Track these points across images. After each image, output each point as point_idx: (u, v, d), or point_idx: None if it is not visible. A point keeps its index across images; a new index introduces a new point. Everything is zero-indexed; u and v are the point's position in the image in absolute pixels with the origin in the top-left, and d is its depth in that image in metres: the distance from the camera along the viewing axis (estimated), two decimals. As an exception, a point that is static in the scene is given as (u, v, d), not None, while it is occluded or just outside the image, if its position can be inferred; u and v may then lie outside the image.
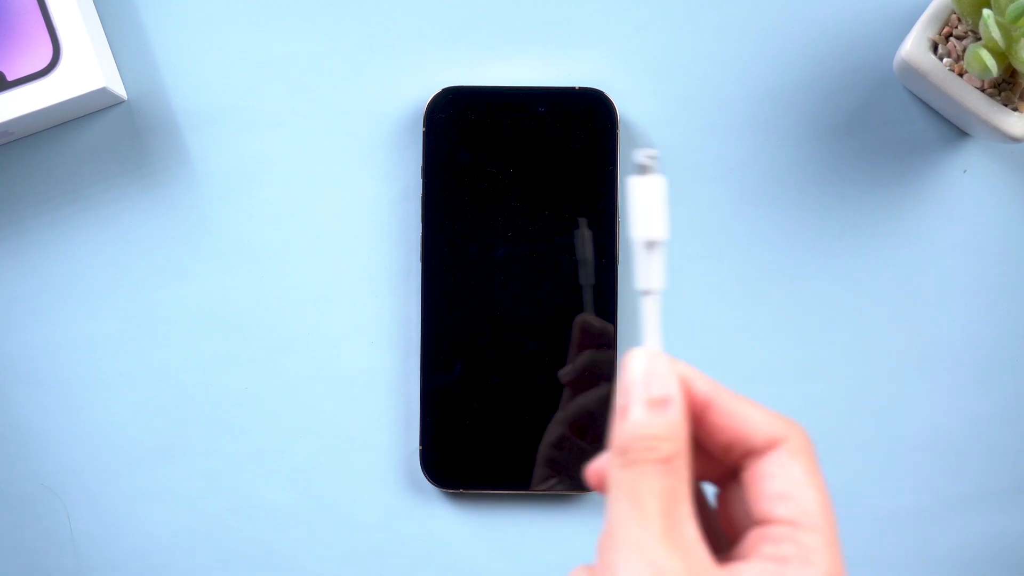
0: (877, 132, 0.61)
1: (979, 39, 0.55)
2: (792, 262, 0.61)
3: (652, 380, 0.38)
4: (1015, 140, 0.55)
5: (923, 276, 0.61)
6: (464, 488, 0.60)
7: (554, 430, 0.59)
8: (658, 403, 0.37)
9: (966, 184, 0.61)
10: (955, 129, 0.60)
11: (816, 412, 0.61)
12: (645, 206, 0.39)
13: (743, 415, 0.38)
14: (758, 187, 0.61)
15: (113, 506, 0.61)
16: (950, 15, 0.56)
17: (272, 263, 0.61)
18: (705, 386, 0.39)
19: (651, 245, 0.39)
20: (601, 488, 0.39)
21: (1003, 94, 0.55)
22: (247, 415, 0.61)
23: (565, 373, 0.59)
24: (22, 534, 0.62)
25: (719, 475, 0.40)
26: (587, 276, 0.58)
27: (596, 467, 0.39)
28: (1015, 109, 0.55)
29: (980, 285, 0.61)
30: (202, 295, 0.61)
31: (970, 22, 0.54)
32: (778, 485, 0.37)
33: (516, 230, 0.60)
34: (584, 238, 0.57)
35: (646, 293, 0.39)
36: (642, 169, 0.39)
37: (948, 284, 0.61)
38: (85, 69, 0.58)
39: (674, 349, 0.60)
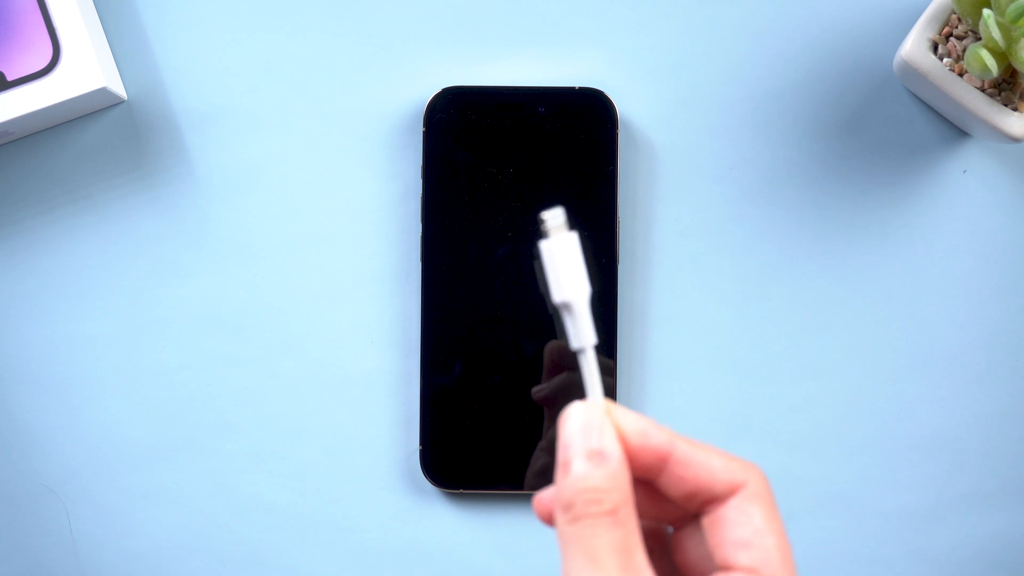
0: (877, 132, 0.61)
1: (979, 39, 0.55)
2: (792, 262, 0.61)
3: (590, 433, 0.38)
4: (1015, 140, 0.55)
5: (923, 276, 0.61)
6: (464, 488, 0.60)
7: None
8: (596, 455, 0.38)
9: (966, 184, 0.61)
10: (955, 129, 0.60)
11: (816, 412, 0.61)
12: (555, 268, 0.39)
13: (701, 463, 0.39)
14: (758, 187, 0.61)
15: (113, 506, 0.61)
16: (950, 15, 0.56)
17: (272, 263, 0.61)
18: (662, 437, 0.39)
19: (570, 306, 0.39)
20: (549, 522, 0.39)
21: (1003, 94, 0.55)
22: (247, 415, 0.61)
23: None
24: (22, 534, 0.62)
25: (676, 517, 0.41)
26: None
27: (543, 500, 0.40)
28: (1015, 109, 0.55)
29: (980, 285, 0.61)
30: (202, 295, 0.61)
31: (970, 22, 0.54)
32: (739, 532, 0.38)
33: (516, 230, 0.60)
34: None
35: (580, 351, 0.39)
36: (547, 232, 0.39)
37: (948, 284, 0.61)
38: (85, 69, 0.58)
39: (675, 349, 0.61)
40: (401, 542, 0.61)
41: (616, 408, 0.39)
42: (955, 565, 0.61)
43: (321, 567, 0.61)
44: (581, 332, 0.39)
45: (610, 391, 0.59)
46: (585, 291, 0.39)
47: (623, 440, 0.39)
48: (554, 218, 0.39)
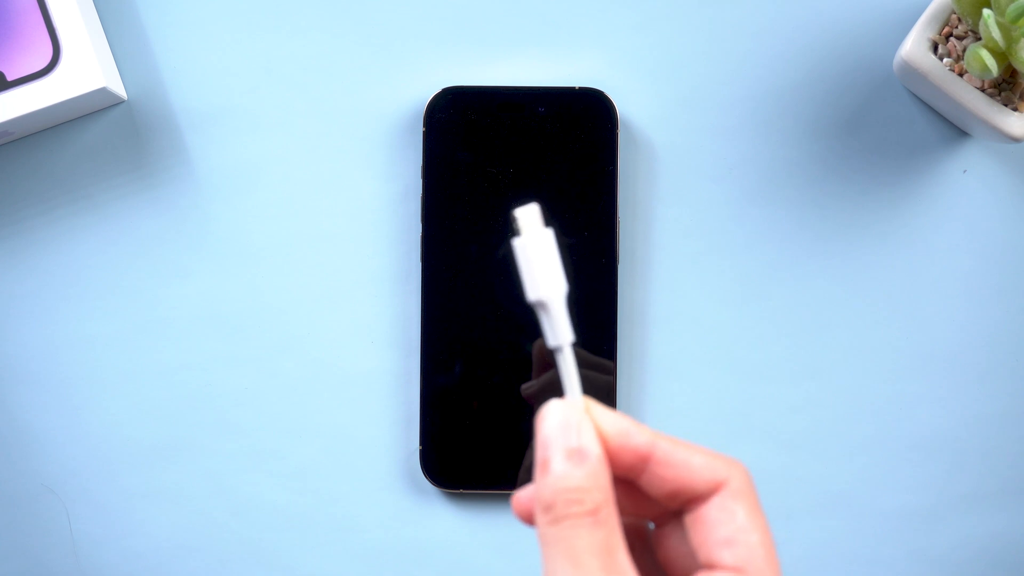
0: (877, 132, 0.61)
1: (979, 39, 0.55)
2: (792, 262, 0.61)
3: (569, 431, 0.38)
4: (1015, 140, 0.55)
5: (923, 276, 0.61)
6: (464, 488, 0.60)
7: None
8: (576, 453, 0.37)
9: (966, 184, 0.61)
10: (955, 129, 0.60)
11: (816, 412, 0.61)
12: (530, 266, 0.39)
13: (683, 462, 0.38)
14: (757, 187, 0.61)
15: (113, 506, 0.61)
16: (950, 15, 0.56)
17: (272, 263, 0.61)
18: (642, 437, 0.38)
19: (545, 304, 0.39)
20: (529, 521, 0.39)
21: (1003, 94, 0.55)
22: (247, 415, 0.61)
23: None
24: (22, 534, 0.62)
25: (658, 514, 0.40)
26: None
27: (522, 499, 0.39)
28: (1015, 109, 0.55)
29: (979, 285, 0.61)
30: (202, 295, 0.61)
31: (970, 22, 0.54)
32: (723, 531, 0.38)
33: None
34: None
35: (557, 349, 0.39)
36: (519, 230, 0.39)
37: (948, 284, 0.61)
38: (85, 69, 0.58)
39: (675, 349, 0.61)
40: (401, 542, 0.61)
41: (596, 407, 0.39)
42: (955, 565, 0.61)
43: (321, 567, 0.61)
44: (557, 330, 0.39)
45: (610, 391, 0.59)
46: (561, 288, 0.39)
47: (603, 440, 0.38)
48: (527, 215, 0.39)
